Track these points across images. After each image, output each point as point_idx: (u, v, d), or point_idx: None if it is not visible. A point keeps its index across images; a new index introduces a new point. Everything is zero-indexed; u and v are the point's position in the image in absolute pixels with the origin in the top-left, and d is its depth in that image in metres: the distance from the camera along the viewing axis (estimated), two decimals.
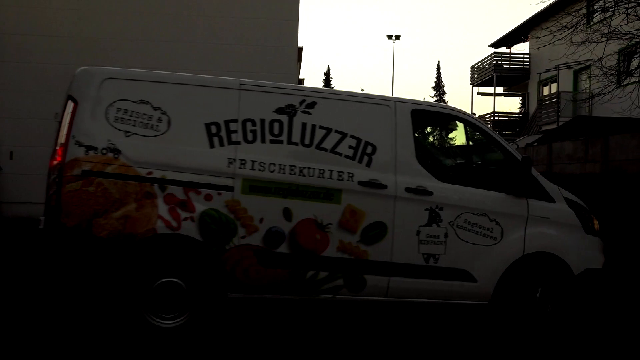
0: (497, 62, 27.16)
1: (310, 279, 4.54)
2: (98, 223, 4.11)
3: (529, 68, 26.55)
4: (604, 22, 9.53)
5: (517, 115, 29.44)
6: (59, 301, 5.35)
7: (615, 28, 9.15)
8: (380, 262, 4.63)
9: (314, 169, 4.50)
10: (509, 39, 28.35)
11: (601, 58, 9.58)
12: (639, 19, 8.90)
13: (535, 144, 16.30)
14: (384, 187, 4.63)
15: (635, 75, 9.84)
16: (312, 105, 4.62)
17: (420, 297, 4.79)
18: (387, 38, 41.93)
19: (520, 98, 34.13)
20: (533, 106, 25.58)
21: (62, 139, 4.23)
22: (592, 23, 11.39)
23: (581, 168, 11.01)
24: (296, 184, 4.46)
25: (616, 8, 9.24)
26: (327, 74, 75.30)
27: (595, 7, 9.76)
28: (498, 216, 4.85)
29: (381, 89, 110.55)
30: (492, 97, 28.10)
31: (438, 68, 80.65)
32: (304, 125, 4.57)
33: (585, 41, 9.52)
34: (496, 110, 27.66)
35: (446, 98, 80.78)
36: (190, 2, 13.21)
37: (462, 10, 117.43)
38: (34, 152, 12.80)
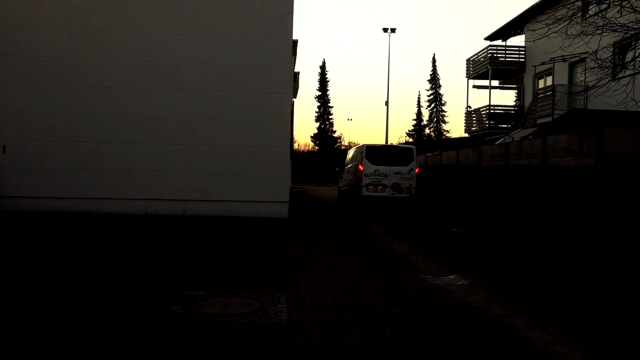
0: (492, 55, 27.11)
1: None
2: None
3: (524, 61, 26.52)
4: (600, 15, 9.50)
5: (512, 108, 29.43)
6: None
7: (611, 20, 9.12)
8: None
9: None
10: (504, 32, 28.31)
11: (596, 51, 9.56)
12: (633, 11, 8.88)
13: (531, 137, 16.30)
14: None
15: (630, 67, 9.82)
16: None
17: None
18: (382, 31, 41.77)
19: (516, 91, 34.11)
20: (528, 99, 25.58)
21: None
22: (587, 15, 11.36)
23: (576, 161, 11.01)
24: None
25: (611, 0, 9.21)
26: (323, 67, 75.06)
27: None
28: None
29: (377, 82, 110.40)
30: (487, 90, 28.13)
31: (434, 61, 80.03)
32: None
33: (580, 34, 9.50)
34: (492, 104, 27.65)
35: (442, 91, 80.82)
36: None
37: (458, 3, 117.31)
38: (27, 146, 12.72)
